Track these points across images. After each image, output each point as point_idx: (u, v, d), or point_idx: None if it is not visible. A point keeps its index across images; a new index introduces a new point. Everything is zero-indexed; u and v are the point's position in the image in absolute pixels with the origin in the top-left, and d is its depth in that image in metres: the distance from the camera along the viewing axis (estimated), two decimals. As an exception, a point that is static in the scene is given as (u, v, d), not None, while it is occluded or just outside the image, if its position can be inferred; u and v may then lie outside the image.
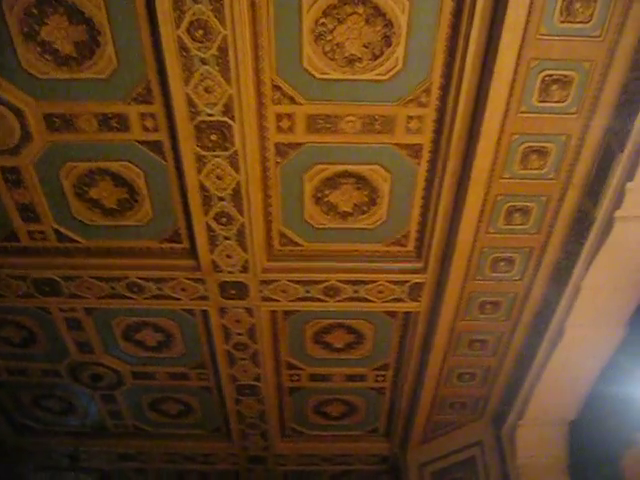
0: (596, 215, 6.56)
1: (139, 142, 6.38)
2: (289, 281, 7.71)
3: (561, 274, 7.31)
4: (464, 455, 10.06)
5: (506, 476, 9.28)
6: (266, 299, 7.95)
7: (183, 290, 7.85)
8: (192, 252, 7.40)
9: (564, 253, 7.14)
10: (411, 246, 7.42)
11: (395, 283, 7.69)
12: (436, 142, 6.32)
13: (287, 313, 8.35)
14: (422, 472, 10.51)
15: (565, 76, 5.66)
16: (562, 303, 7.40)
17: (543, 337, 7.84)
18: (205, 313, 8.27)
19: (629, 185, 6.05)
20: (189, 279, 7.69)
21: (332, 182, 6.75)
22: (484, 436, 9.83)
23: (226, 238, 7.12)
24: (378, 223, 7.15)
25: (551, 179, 6.52)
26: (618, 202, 6.24)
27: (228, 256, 7.34)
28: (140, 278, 7.72)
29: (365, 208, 7.02)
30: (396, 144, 6.38)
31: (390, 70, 5.72)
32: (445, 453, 10.28)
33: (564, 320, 7.58)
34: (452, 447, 10.21)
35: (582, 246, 6.89)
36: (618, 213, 6.30)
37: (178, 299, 7.99)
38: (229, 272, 7.54)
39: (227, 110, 5.87)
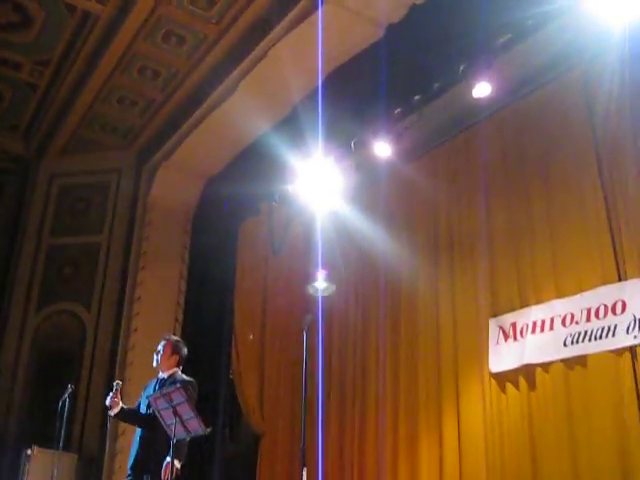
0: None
1: None
2: None
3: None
4: (99, 178, 9.86)
5: (134, 208, 9.37)
6: None
7: None
8: None
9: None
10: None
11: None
12: None
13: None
14: (51, 183, 10.10)
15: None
16: (244, 64, 7.29)
17: (215, 88, 7.73)
18: None
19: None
20: None
21: None
22: (125, 166, 9.68)
23: None
24: None
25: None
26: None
27: None
28: None
29: None
30: None
31: None
32: (80, 171, 9.97)
33: (238, 81, 7.53)
34: (90, 167, 9.92)
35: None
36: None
37: None
38: None
39: None
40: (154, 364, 5.48)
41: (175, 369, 5.43)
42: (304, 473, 3.23)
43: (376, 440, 8.28)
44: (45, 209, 9.97)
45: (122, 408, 5.28)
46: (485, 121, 7.82)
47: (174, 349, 5.50)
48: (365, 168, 7.94)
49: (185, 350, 5.57)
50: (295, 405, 9.46)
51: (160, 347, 5.49)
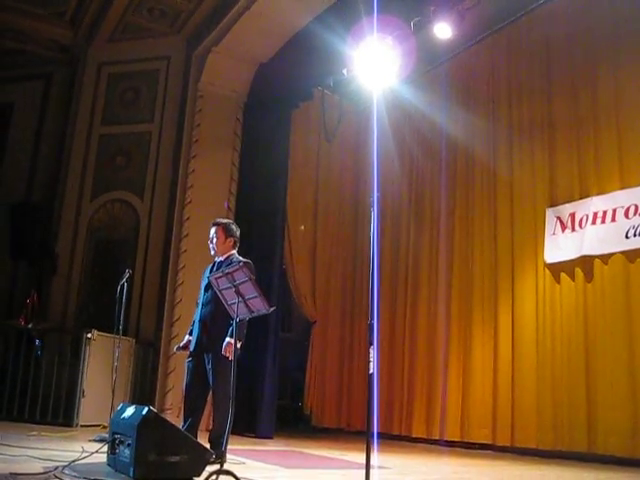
0: None
1: None
2: None
3: None
4: (149, 66, 9.68)
5: (184, 96, 9.21)
6: None
7: None
8: None
9: None
10: None
11: None
12: None
13: None
14: (100, 71, 9.95)
15: None
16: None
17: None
18: None
19: None
20: None
21: None
22: (174, 52, 9.45)
23: None
24: None
25: None
26: None
27: None
28: None
29: None
30: None
31: None
32: (130, 59, 9.78)
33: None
34: (139, 55, 9.72)
35: None
36: None
37: None
38: None
39: None
40: (211, 252, 5.32)
41: (232, 251, 5.33)
42: (372, 351, 3.20)
43: (428, 321, 8.38)
44: (95, 98, 9.88)
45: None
46: (551, 3, 7.43)
47: (227, 232, 5.27)
48: (423, 50, 7.62)
49: (238, 232, 5.38)
50: (346, 293, 9.59)
51: (212, 233, 5.25)
